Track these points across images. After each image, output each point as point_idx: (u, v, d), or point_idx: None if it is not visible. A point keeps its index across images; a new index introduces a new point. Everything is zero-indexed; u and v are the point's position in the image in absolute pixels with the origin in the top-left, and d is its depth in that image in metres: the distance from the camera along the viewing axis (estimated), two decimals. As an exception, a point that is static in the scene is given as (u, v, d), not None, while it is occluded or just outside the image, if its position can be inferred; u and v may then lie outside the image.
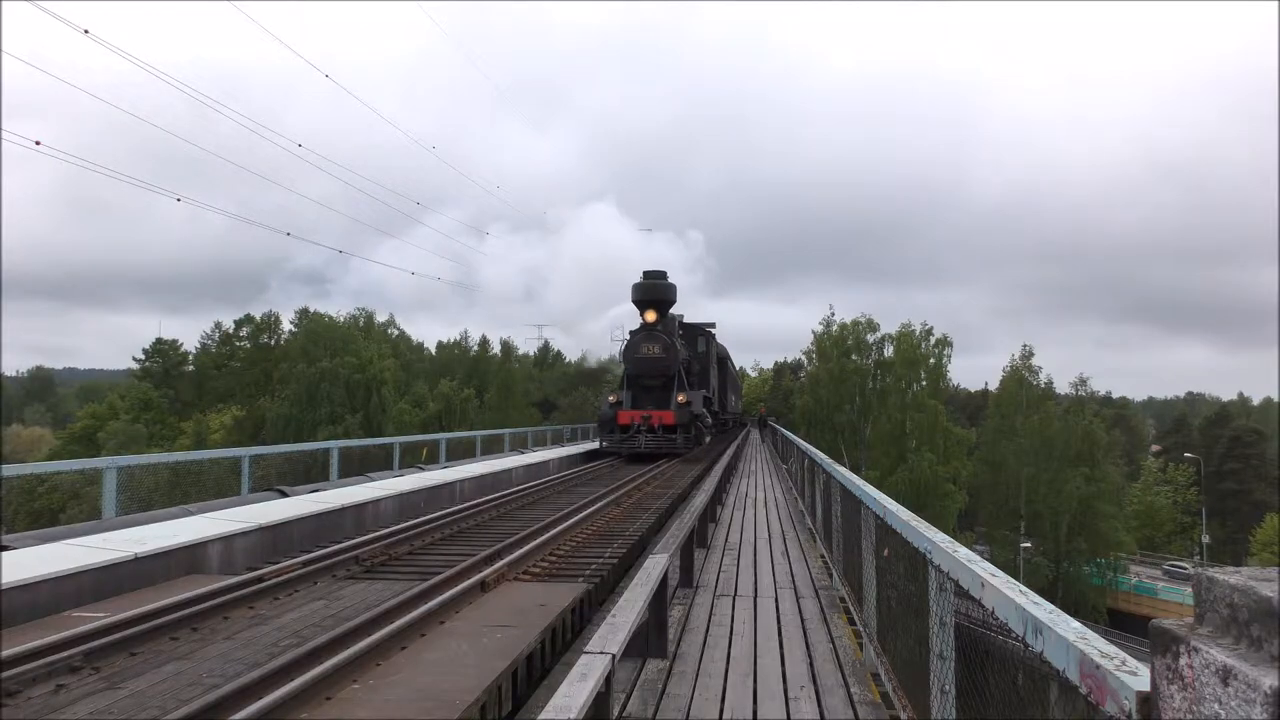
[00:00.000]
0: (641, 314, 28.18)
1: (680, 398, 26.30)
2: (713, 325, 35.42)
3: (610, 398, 27.45)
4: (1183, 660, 1.42)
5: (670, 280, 29.80)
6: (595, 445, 27.89)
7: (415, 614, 5.91)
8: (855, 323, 63.93)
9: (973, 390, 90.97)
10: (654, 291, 28.70)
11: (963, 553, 3.34)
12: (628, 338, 28.78)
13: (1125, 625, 42.98)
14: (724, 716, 4.73)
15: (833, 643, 6.32)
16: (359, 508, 11.14)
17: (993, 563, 3.22)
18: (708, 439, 30.27)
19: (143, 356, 69.12)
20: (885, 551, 5.38)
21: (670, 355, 27.34)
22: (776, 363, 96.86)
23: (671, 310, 29.99)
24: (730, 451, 24.90)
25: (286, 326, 67.75)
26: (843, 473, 8.61)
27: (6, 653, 4.78)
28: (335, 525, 10.36)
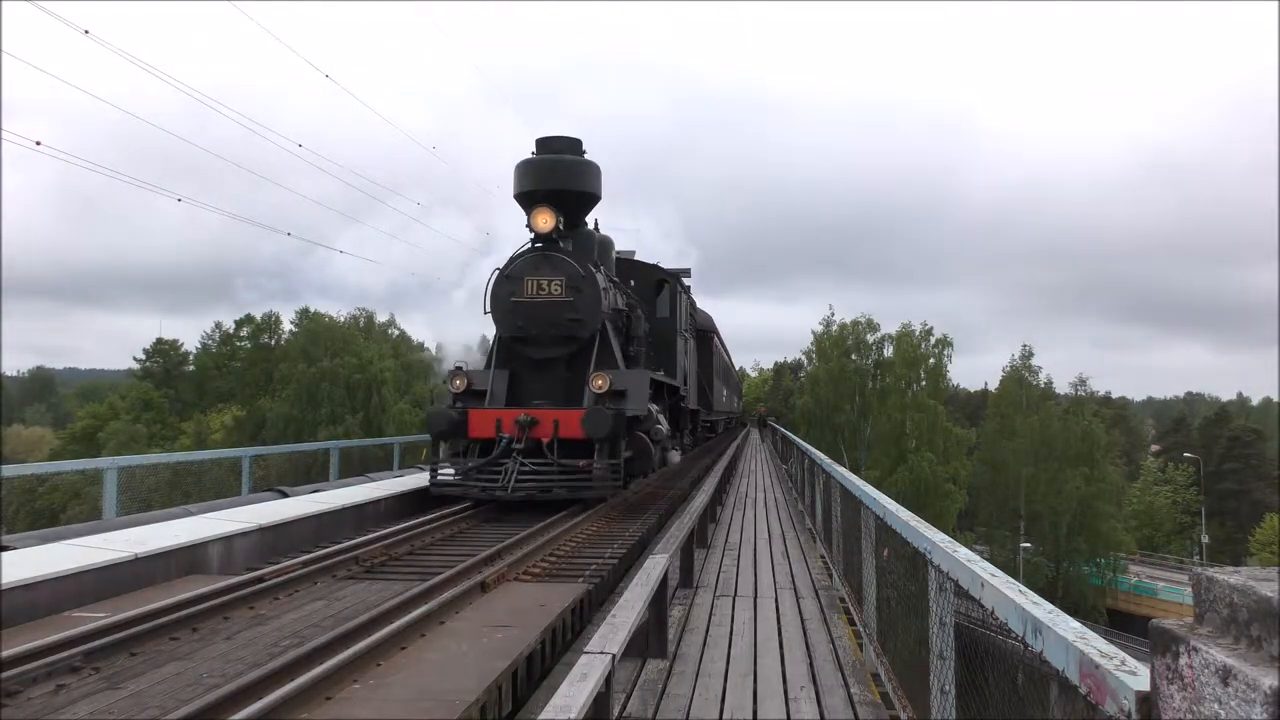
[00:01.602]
0: (529, 217, 13.45)
1: (598, 381, 12.51)
2: (686, 273, 22.57)
3: (455, 381, 13.10)
4: (1182, 660, 1.43)
5: (590, 157, 14.55)
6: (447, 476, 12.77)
7: (415, 614, 5.91)
8: (855, 323, 63.98)
9: (972, 390, 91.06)
10: (552, 175, 14.06)
11: (962, 553, 3.34)
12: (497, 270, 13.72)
13: (1125, 625, 42.98)
14: (724, 716, 4.74)
15: (833, 643, 6.32)
16: (359, 508, 11.13)
17: (992, 563, 3.22)
18: (675, 457, 17.09)
19: (143, 356, 69.12)
20: (885, 552, 5.39)
21: (587, 299, 13.25)
22: (776, 363, 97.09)
23: (601, 231, 15.87)
24: (729, 453, 24.49)
25: (287, 326, 67.79)
26: (842, 473, 8.62)
27: (6, 653, 4.78)
28: (335, 525, 10.36)
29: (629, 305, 15.63)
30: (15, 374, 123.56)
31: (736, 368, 63.14)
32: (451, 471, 12.25)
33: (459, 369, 13.35)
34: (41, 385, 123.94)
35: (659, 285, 18.98)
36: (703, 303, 29.78)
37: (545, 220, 13.15)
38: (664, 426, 13.70)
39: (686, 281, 22.07)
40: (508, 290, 13.20)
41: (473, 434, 12.34)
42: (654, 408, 13.46)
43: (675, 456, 17.33)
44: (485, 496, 11.64)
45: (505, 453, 11.91)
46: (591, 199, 14.70)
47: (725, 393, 37.80)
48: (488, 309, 13.39)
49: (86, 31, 12.15)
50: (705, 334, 27.06)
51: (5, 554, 6.85)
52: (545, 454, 11.88)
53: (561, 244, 13.54)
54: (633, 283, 17.80)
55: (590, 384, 12.55)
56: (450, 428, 12.32)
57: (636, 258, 20.33)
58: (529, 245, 13.56)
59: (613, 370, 12.98)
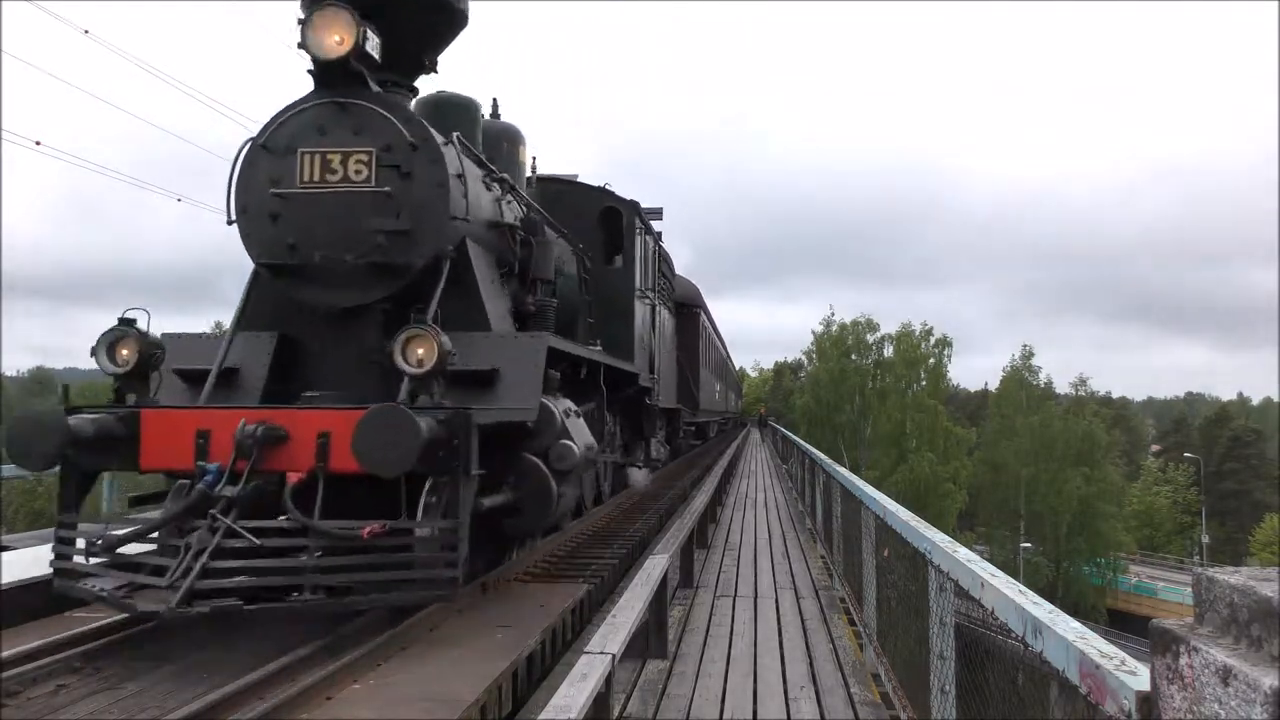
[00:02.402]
0: (304, 34, 6.27)
1: (420, 349, 5.58)
2: (657, 214, 16.67)
3: (119, 352, 5.93)
4: (1183, 660, 1.43)
5: None
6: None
7: (416, 615, 5.91)
8: (855, 323, 63.96)
9: (973, 390, 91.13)
10: None
11: (962, 553, 3.35)
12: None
13: (1125, 625, 42.98)
14: (724, 717, 4.74)
15: (833, 643, 6.32)
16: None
17: (992, 563, 3.23)
18: (638, 478, 13.44)
19: (142, 357, 69.04)
20: (885, 552, 5.40)
21: (424, 188, 6.51)
22: (777, 363, 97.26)
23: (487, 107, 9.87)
24: (729, 454, 24.33)
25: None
26: (843, 473, 8.63)
27: (6, 653, 4.78)
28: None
29: (528, 222, 8.63)
30: (15, 374, 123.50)
31: (737, 367, 62.63)
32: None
33: (124, 325, 6.08)
34: (41, 385, 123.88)
35: (607, 218, 12.10)
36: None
37: (336, 35, 6.40)
38: (578, 445, 6.74)
39: (657, 226, 14.97)
40: (265, 175, 6.68)
41: (148, 462, 5.72)
42: (563, 407, 6.87)
43: (639, 477, 12.86)
44: (132, 610, 5.06)
45: (197, 508, 5.29)
46: (441, 11, 7.35)
47: (719, 388, 29.53)
48: (233, 217, 6.77)
49: (86, 31, 12.15)
50: (689, 309, 21.20)
51: (5, 554, 6.85)
52: (288, 508, 5.30)
53: (374, 87, 6.76)
54: (576, 220, 11.39)
55: (398, 356, 5.66)
56: (63, 447, 5.46)
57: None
58: (312, 90, 6.77)
59: (463, 333, 6.32)
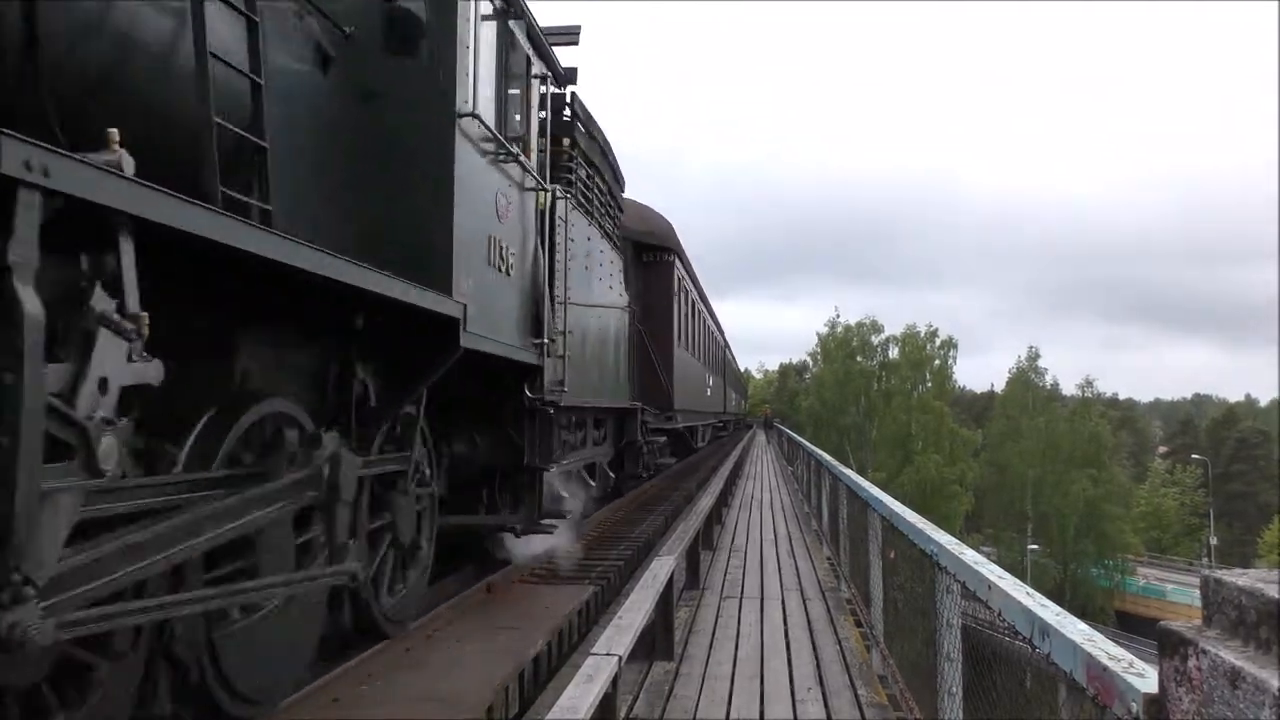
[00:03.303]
0: None
1: None
2: (570, 34, 7.70)
3: None
4: (1190, 662, 1.43)
5: None
6: None
7: (422, 617, 5.92)
8: (860, 324, 63.93)
9: (978, 392, 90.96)
10: None
11: (969, 554, 3.34)
12: None
13: (1133, 627, 42.82)
14: (730, 718, 4.74)
15: (839, 645, 6.31)
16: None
17: (999, 564, 3.23)
18: (523, 549, 7.45)
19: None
20: (892, 554, 5.39)
21: None
22: (782, 364, 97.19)
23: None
24: (735, 455, 24.33)
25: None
26: (849, 475, 8.63)
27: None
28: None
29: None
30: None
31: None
32: None
33: None
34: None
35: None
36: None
37: None
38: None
39: (567, 57, 7.85)
40: None
41: None
42: None
43: (516, 547, 7.62)
44: None
45: None
46: None
47: (711, 380, 22.31)
48: None
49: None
50: (657, 254, 15.08)
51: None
52: None
53: None
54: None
55: None
56: None
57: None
58: None
59: None
